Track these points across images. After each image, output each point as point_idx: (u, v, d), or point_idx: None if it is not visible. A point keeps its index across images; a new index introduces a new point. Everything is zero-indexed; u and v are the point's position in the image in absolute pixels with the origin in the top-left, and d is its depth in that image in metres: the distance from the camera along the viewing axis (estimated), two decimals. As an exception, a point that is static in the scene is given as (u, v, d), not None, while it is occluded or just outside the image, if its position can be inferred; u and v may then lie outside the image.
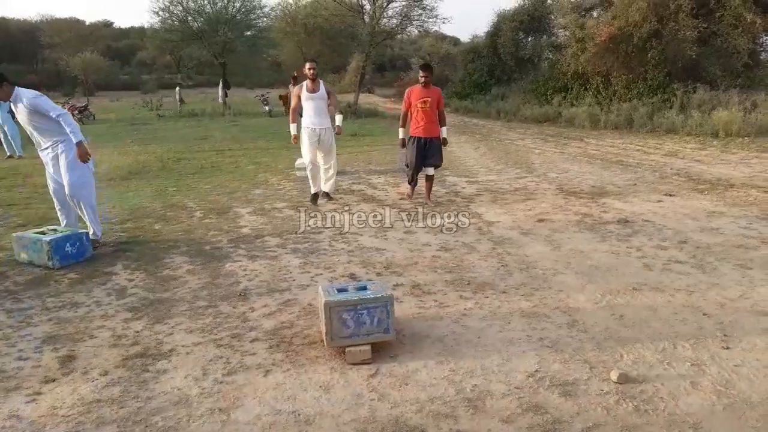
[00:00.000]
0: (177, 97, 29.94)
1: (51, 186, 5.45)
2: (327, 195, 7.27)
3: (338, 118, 7.39)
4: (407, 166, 7.20)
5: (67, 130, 5.17)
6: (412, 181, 7.25)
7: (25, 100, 5.07)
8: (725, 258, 4.67)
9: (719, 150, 10.95)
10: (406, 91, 7.05)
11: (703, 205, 6.55)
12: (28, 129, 5.24)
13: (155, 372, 3.09)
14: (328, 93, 7.07)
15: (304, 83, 6.97)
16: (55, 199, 5.51)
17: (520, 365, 3.04)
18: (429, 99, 6.84)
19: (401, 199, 7.32)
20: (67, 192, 5.33)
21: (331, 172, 7.31)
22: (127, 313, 3.92)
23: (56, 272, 4.80)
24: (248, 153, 12.54)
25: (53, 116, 5.13)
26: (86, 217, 5.45)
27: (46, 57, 53.67)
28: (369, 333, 3.19)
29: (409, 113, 7.03)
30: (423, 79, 6.88)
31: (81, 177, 5.34)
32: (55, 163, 5.32)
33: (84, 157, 5.21)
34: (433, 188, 7.29)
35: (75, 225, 5.54)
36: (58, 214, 5.58)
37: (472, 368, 3.03)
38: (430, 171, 7.08)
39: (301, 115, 7.16)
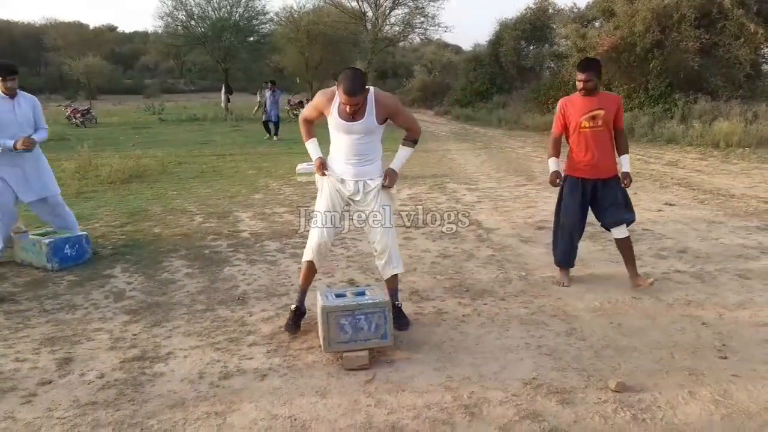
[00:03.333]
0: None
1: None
2: (399, 312, 3.66)
3: (403, 153, 3.65)
4: (556, 231, 4.50)
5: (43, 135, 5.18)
6: (564, 259, 4.45)
7: (29, 97, 5.09)
8: (724, 268, 4.67)
9: (720, 160, 10.95)
10: (559, 103, 4.39)
11: (703, 214, 6.55)
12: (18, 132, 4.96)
13: (152, 375, 3.08)
14: (387, 117, 3.49)
15: (335, 99, 3.41)
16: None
17: (518, 372, 3.03)
18: (601, 112, 4.16)
19: (556, 283, 4.44)
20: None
21: (388, 262, 3.62)
22: (125, 315, 3.92)
23: (55, 274, 4.80)
24: (249, 158, 12.56)
25: (42, 125, 5.16)
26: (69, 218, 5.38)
27: (49, 60, 53.84)
28: (366, 338, 3.18)
29: (563, 137, 4.38)
30: (582, 85, 4.16)
31: None
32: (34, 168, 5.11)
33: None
34: (433, 194, 6.97)
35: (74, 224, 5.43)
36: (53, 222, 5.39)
37: (469, 375, 3.02)
38: (619, 232, 4.32)
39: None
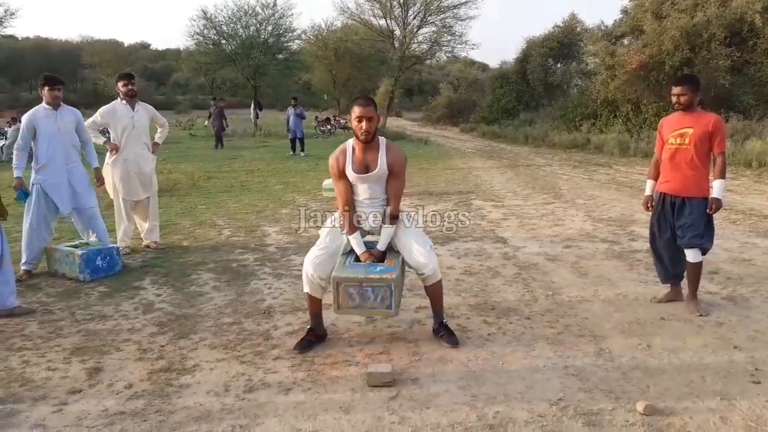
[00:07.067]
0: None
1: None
2: (446, 329, 3.70)
3: (388, 233, 3.60)
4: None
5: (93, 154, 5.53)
6: (664, 277, 4.38)
7: (71, 109, 5.33)
8: (757, 290, 4.55)
9: (752, 180, 10.73)
10: (660, 123, 4.37)
11: (735, 235, 6.41)
12: (60, 144, 5.20)
13: (178, 387, 3.12)
14: (390, 169, 3.57)
15: (347, 151, 3.60)
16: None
17: (544, 393, 2.99)
18: (690, 130, 4.04)
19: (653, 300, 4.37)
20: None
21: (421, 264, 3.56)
22: (153, 327, 3.98)
23: (86, 285, 4.91)
24: (277, 173, 12.72)
25: (85, 138, 5.44)
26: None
27: (85, 76, 55.33)
28: (372, 307, 3.42)
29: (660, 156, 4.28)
30: (676, 99, 4.07)
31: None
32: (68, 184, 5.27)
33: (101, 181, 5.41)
34: (457, 212, 6.79)
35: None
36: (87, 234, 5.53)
37: (494, 394, 2.99)
38: (691, 255, 4.09)
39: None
